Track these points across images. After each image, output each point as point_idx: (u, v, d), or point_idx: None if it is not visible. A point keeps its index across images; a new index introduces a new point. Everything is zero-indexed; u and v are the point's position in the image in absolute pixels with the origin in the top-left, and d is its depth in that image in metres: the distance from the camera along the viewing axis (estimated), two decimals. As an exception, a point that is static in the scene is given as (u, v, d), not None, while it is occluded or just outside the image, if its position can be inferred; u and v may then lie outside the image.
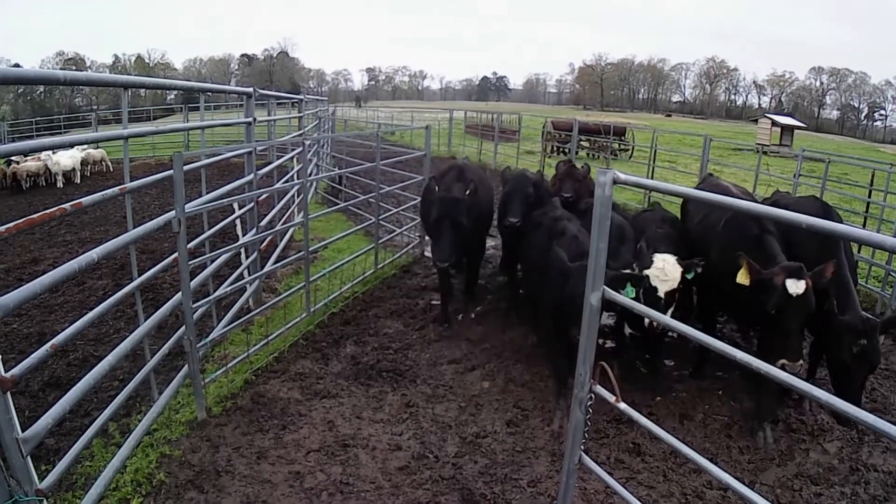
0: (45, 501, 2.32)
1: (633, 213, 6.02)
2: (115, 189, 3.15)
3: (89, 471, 3.13)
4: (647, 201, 10.81)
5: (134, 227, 3.23)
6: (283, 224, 6.87)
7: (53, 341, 2.47)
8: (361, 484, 3.13)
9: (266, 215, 5.98)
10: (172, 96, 66.82)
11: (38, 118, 34.67)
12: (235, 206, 5.56)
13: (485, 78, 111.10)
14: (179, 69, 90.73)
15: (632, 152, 18.28)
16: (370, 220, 6.83)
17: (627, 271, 3.68)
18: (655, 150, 11.16)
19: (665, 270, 3.63)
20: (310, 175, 7.55)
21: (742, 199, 3.57)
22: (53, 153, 15.09)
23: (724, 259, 3.70)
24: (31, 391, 4.12)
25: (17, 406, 2.26)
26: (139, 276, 3.31)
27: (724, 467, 3.12)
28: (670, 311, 3.65)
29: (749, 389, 4.08)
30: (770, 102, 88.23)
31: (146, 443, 3.35)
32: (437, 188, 5.02)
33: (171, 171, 3.42)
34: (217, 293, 4.27)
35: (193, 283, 3.82)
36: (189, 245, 3.54)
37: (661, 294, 3.63)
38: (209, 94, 9.74)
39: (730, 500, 3.07)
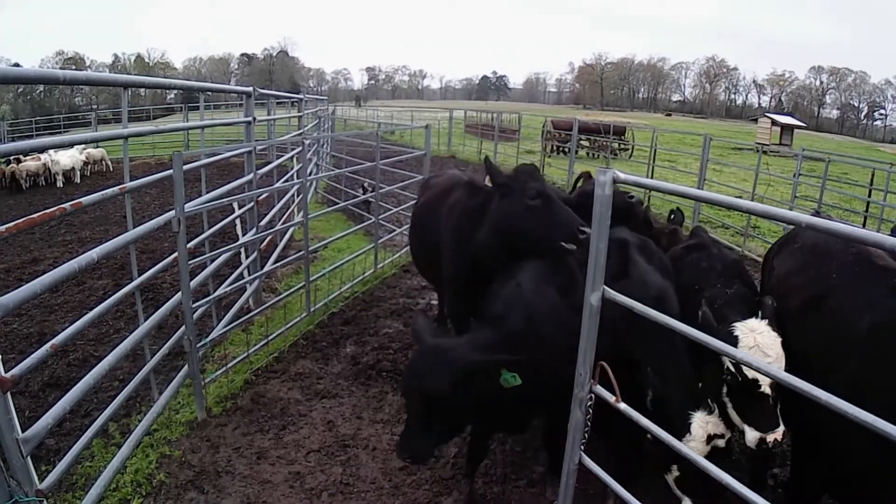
0: (45, 502, 2.31)
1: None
2: (115, 189, 3.14)
3: (89, 471, 3.13)
4: (646, 201, 10.81)
5: (134, 227, 3.23)
6: (283, 224, 6.86)
7: (53, 341, 2.47)
8: (362, 484, 3.12)
9: (266, 215, 5.98)
10: (172, 96, 66.80)
11: (38, 118, 34.68)
12: (235, 205, 5.55)
13: (484, 77, 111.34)
14: (179, 68, 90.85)
15: (632, 152, 18.29)
16: (370, 219, 6.83)
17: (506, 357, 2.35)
18: (655, 150, 11.17)
19: (761, 346, 2.27)
20: (309, 174, 7.54)
21: None
22: (55, 153, 15.08)
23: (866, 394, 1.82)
24: (31, 391, 4.12)
25: (18, 406, 2.26)
26: (139, 275, 3.31)
27: (724, 467, 3.11)
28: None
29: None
30: (770, 102, 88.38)
31: (146, 443, 3.34)
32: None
33: (170, 171, 3.42)
34: (217, 293, 4.26)
35: (193, 283, 3.82)
36: (189, 245, 3.53)
37: (767, 388, 2.23)
38: (209, 93, 9.74)
39: (730, 500, 3.06)
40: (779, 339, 2.32)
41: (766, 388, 2.23)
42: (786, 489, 2.83)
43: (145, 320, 3.39)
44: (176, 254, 3.50)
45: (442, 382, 2.23)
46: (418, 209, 4.51)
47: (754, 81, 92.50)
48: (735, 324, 2.38)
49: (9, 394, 2.12)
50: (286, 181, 7.40)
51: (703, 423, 2.37)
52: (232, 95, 28.95)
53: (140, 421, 3.40)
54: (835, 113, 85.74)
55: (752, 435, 2.26)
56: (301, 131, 9.16)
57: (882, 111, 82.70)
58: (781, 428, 2.27)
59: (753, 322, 2.36)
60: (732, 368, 2.31)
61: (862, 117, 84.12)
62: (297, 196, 7.84)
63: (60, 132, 28.87)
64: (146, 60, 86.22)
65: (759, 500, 1.51)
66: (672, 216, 4.58)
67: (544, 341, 2.51)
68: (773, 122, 27.76)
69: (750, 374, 2.24)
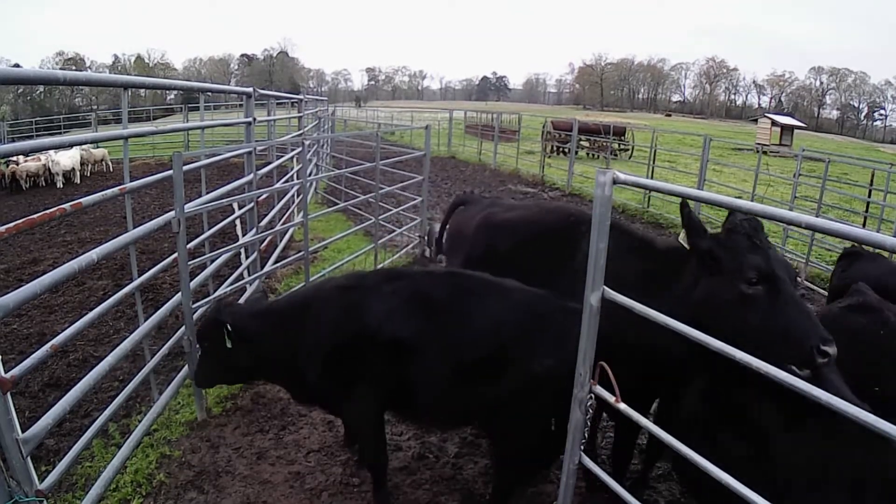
0: (45, 502, 2.31)
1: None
2: (115, 189, 3.15)
3: (89, 471, 3.13)
4: (646, 202, 10.82)
5: (134, 228, 3.23)
6: (283, 224, 6.87)
7: (53, 342, 2.47)
8: (362, 485, 3.12)
9: (266, 215, 5.98)
10: (172, 96, 66.87)
11: (38, 118, 34.70)
12: (235, 206, 5.56)
13: (484, 78, 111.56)
14: (179, 69, 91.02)
15: (632, 152, 18.29)
16: (370, 220, 6.83)
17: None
18: (655, 150, 11.18)
19: None
20: (309, 175, 7.55)
21: None
22: (55, 153, 15.09)
23: None
24: (31, 392, 4.12)
25: (17, 406, 2.26)
26: (139, 276, 3.31)
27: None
28: None
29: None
30: (770, 102, 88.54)
31: (146, 443, 3.34)
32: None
33: (170, 172, 3.42)
34: (217, 293, 4.26)
35: (193, 284, 3.82)
36: (189, 245, 3.53)
37: None
38: (209, 94, 9.75)
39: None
40: None
41: None
42: None
43: (145, 321, 3.39)
44: (176, 254, 3.50)
45: (201, 331, 2.87)
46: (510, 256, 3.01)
47: (754, 82, 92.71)
48: None
49: (9, 394, 2.12)
50: (286, 182, 7.41)
51: None
52: (232, 96, 28.97)
53: (140, 421, 3.40)
54: (835, 113, 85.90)
55: None
56: (301, 132, 9.17)
57: (882, 111, 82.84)
58: None
59: None
60: None
61: (862, 118, 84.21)
62: (297, 196, 7.84)
63: (60, 133, 28.86)
64: (146, 61, 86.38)
65: (759, 499, 1.51)
66: None
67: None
68: (773, 123, 27.77)
69: None
